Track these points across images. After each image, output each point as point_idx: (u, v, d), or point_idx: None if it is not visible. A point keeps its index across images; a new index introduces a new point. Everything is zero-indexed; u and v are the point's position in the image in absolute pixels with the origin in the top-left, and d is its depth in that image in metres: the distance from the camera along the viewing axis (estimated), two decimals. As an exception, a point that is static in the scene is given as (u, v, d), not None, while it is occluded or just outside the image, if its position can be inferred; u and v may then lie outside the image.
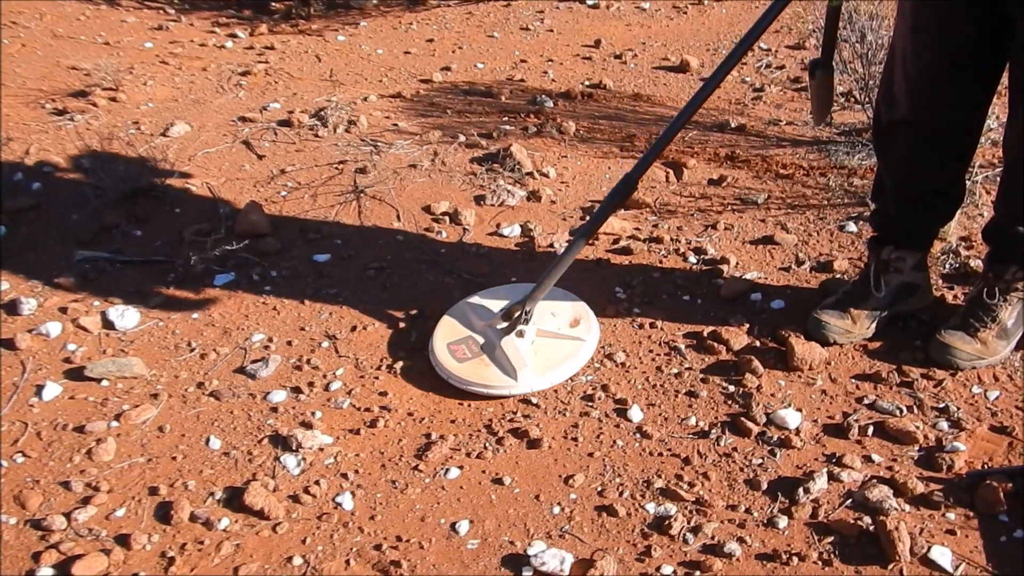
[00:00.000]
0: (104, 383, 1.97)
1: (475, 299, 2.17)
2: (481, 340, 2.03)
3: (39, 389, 1.94)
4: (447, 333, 2.06)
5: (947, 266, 2.29)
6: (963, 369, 1.94)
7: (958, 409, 1.83)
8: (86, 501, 1.65)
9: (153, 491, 1.68)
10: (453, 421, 1.86)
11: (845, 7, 3.01)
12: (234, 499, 1.66)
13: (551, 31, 4.22)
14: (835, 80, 1.92)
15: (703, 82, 1.88)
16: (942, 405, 1.85)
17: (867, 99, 2.93)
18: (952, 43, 1.74)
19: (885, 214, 2.07)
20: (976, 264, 2.25)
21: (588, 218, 1.90)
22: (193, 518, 1.62)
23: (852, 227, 2.48)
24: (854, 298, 2.06)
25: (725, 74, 1.86)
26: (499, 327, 2.03)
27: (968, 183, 2.55)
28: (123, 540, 1.57)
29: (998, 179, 2.68)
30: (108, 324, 2.16)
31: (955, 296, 2.18)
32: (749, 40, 1.81)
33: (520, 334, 2.00)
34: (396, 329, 2.15)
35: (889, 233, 2.07)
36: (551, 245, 2.44)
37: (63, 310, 2.20)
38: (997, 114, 3.06)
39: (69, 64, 3.70)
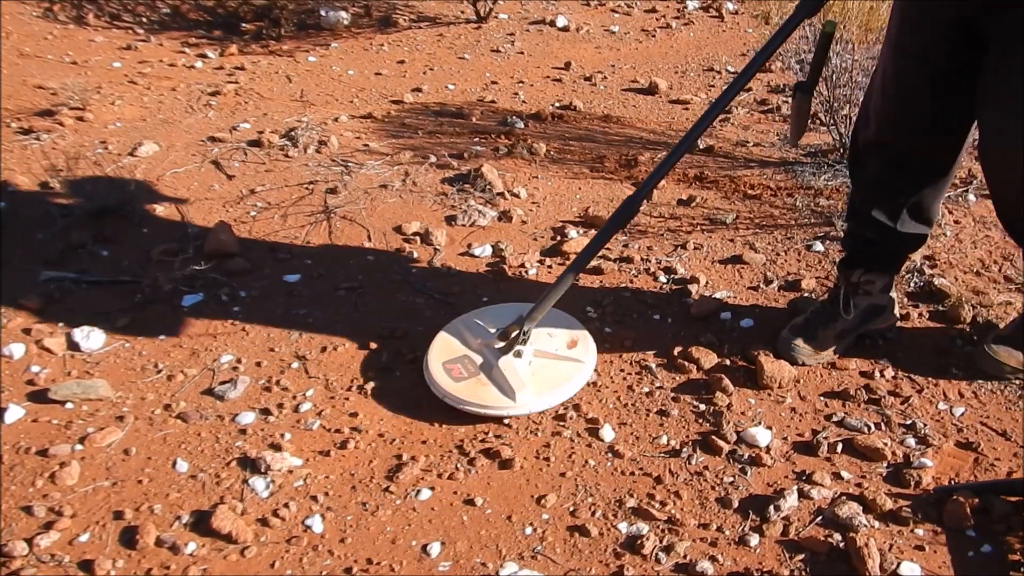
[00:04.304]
0: (68, 405, 1.93)
1: (471, 317, 2.14)
2: (478, 360, 1.99)
3: (1, 412, 1.90)
4: (443, 352, 2.02)
5: (912, 285, 2.32)
6: (1008, 381, 1.98)
7: (925, 426, 1.86)
8: (49, 526, 1.62)
9: (118, 515, 1.65)
10: (424, 442, 1.85)
11: (811, 31, 3.07)
12: (201, 523, 1.63)
13: (522, 53, 4.25)
14: (811, 103, 1.93)
15: (710, 104, 1.86)
16: (909, 422, 1.88)
17: (832, 121, 2.98)
18: (933, 67, 1.75)
19: (858, 237, 2.08)
20: (940, 283, 2.29)
21: (587, 244, 1.92)
22: (159, 543, 1.59)
23: (819, 246, 2.52)
24: (823, 319, 2.08)
25: (733, 96, 1.85)
26: (496, 347, 1.99)
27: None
28: (87, 566, 1.54)
29: (958, 199, 2.74)
30: (73, 345, 2.12)
31: (920, 314, 2.22)
32: (757, 63, 1.81)
33: (518, 355, 1.96)
34: (367, 350, 2.14)
35: (860, 256, 2.09)
36: (522, 265, 2.45)
37: (27, 331, 2.17)
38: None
39: (36, 83, 3.66)
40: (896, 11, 1.80)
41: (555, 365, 2.00)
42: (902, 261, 2.15)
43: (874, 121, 1.90)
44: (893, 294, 2.14)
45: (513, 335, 1.97)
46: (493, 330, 2.04)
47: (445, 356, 2.01)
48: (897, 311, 2.16)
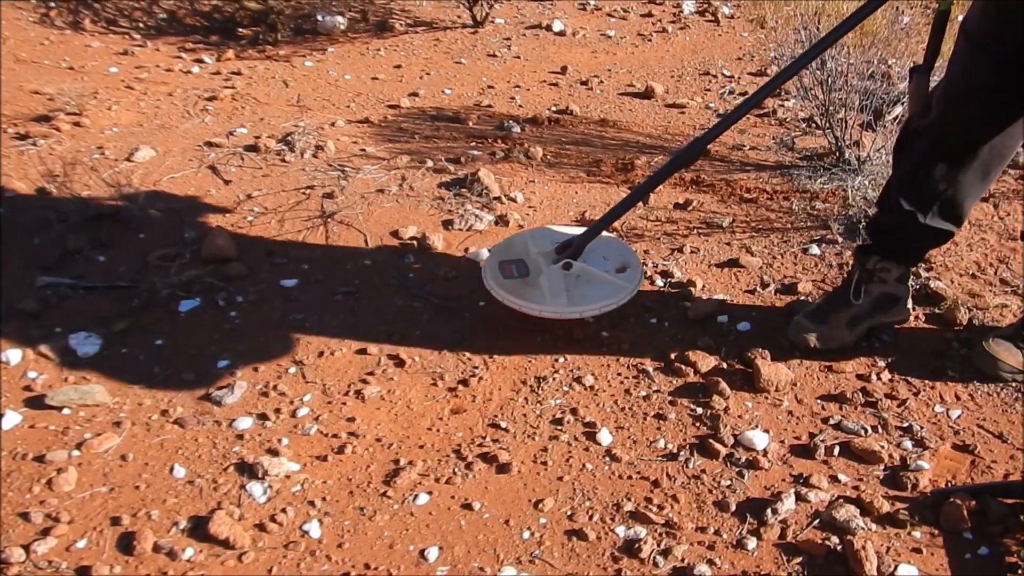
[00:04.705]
0: (65, 411, 1.93)
1: (539, 231, 2.34)
2: (532, 266, 2.17)
3: (-2, 418, 1.90)
4: (504, 252, 2.24)
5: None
6: (1004, 382, 1.98)
7: (921, 428, 1.86)
8: (46, 532, 1.62)
9: (115, 521, 1.65)
10: (422, 446, 1.85)
11: (807, 32, 3.08)
12: (199, 528, 1.63)
13: (518, 58, 4.26)
14: (929, 82, 1.92)
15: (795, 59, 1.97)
16: (906, 424, 1.88)
17: (827, 124, 2.99)
18: (1001, 53, 1.71)
19: (882, 223, 2.09)
20: (936, 285, 2.29)
21: (651, 175, 2.12)
22: (156, 548, 1.59)
23: (815, 250, 2.52)
24: (834, 304, 2.10)
25: (811, 60, 1.97)
26: (551, 258, 2.16)
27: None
28: (84, 572, 1.54)
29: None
30: (70, 351, 2.12)
31: (916, 317, 2.22)
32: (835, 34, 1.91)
33: (567, 266, 2.14)
34: (364, 354, 2.13)
35: (880, 242, 2.10)
36: (519, 269, 2.45)
37: (24, 336, 2.16)
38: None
39: (32, 88, 3.66)
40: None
41: (598, 283, 2.15)
42: (921, 254, 2.15)
43: (935, 105, 1.88)
44: (908, 287, 2.14)
45: (567, 249, 2.14)
46: (554, 244, 2.20)
47: (505, 256, 2.22)
48: (911, 305, 2.17)
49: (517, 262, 2.19)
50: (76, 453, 1.82)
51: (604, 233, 2.24)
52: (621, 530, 1.64)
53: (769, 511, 1.65)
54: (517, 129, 3.40)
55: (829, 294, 2.16)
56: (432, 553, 1.59)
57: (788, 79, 2.00)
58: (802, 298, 2.30)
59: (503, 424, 1.91)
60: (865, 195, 2.75)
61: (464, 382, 2.03)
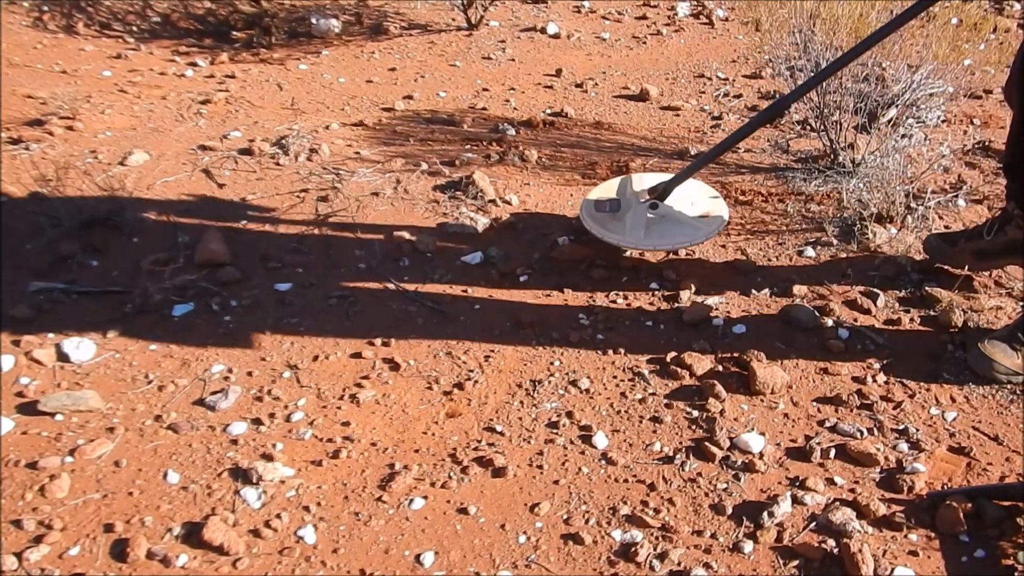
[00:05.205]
0: (58, 417, 1.92)
1: (637, 176, 2.58)
2: (623, 204, 2.43)
3: (-10, 424, 1.89)
4: (603, 191, 2.55)
5: (904, 291, 2.33)
6: (999, 384, 1.99)
7: (917, 431, 1.86)
8: (38, 540, 1.61)
9: (108, 528, 1.64)
10: (417, 451, 1.85)
11: (801, 37, 3.08)
12: (193, 534, 1.62)
13: (513, 60, 4.26)
14: None
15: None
16: (902, 427, 1.88)
17: (822, 127, 2.99)
18: None
19: (1009, 185, 2.17)
20: (932, 288, 2.29)
21: (735, 131, 2.33)
22: (150, 555, 1.58)
23: (810, 252, 2.52)
24: (968, 233, 2.25)
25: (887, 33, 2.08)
26: (641, 199, 2.40)
27: (920, 208, 2.61)
28: (77, 579, 1.53)
29: (948, 204, 2.75)
30: (63, 356, 2.11)
31: (912, 319, 2.22)
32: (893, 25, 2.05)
33: (653, 206, 2.39)
34: (359, 358, 2.13)
35: (1012, 192, 2.17)
36: (513, 272, 2.45)
37: (16, 342, 2.15)
38: (949, 141, 3.15)
39: (25, 93, 3.64)
40: None
41: (678, 224, 2.40)
42: None
43: (1013, 71, 1.96)
44: None
45: (656, 193, 2.38)
46: (649, 186, 2.45)
47: (602, 194, 2.51)
48: None
49: (612, 201, 2.44)
50: (69, 459, 1.81)
51: (699, 182, 2.56)
52: (617, 534, 1.63)
53: (765, 514, 1.65)
54: (512, 132, 3.40)
55: (974, 225, 2.29)
56: (428, 558, 1.59)
57: (862, 53, 2.15)
58: (797, 300, 2.30)
59: (499, 428, 1.90)
60: (860, 197, 2.75)
61: (459, 386, 2.03)
